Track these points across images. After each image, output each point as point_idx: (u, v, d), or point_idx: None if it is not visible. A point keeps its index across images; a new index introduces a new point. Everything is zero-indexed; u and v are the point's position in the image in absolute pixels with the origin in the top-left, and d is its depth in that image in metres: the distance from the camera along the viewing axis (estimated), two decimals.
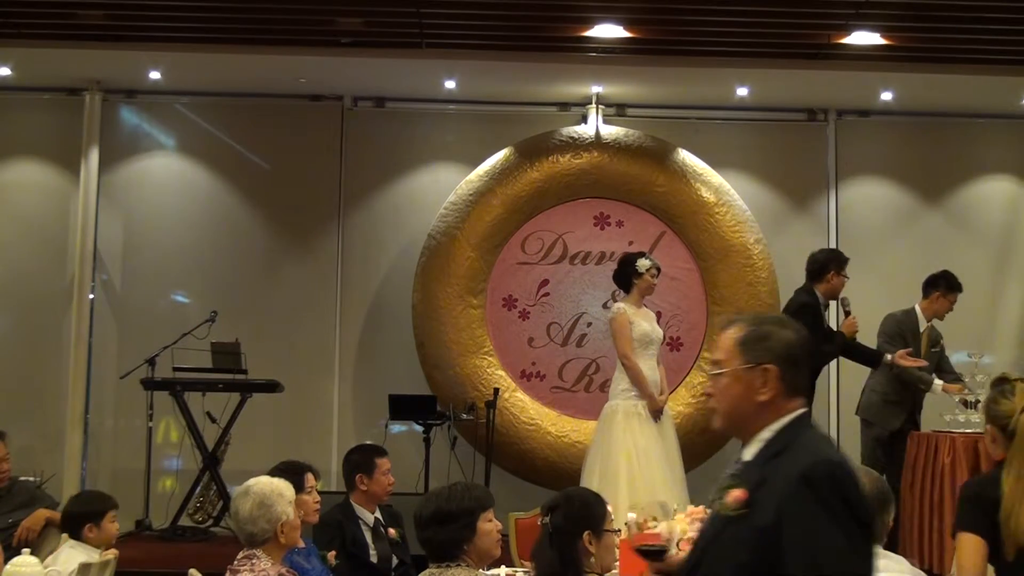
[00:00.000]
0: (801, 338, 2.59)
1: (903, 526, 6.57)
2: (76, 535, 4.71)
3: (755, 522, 2.40)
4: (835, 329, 7.40)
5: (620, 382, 6.93)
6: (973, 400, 6.91)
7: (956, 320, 7.74)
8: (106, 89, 8.64)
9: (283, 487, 3.97)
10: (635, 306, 6.99)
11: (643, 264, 6.99)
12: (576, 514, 3.80)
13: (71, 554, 4.60)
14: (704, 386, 8.26)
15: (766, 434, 2.52)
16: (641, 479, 6.62)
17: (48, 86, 8.72)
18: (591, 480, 6.64)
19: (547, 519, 3.81)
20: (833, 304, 7.54)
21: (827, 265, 7.11)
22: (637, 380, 6.83)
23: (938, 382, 7.26)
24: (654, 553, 2.66)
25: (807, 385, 2.60)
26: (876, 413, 7.37)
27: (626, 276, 7.05)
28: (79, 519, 4.74)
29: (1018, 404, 3.48)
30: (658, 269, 7.08)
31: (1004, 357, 8.72)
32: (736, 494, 2.45)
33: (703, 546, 2.55)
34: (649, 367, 6.92)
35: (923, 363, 7.23)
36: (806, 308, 6.96)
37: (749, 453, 2.54)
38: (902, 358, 7.15)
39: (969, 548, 3.42)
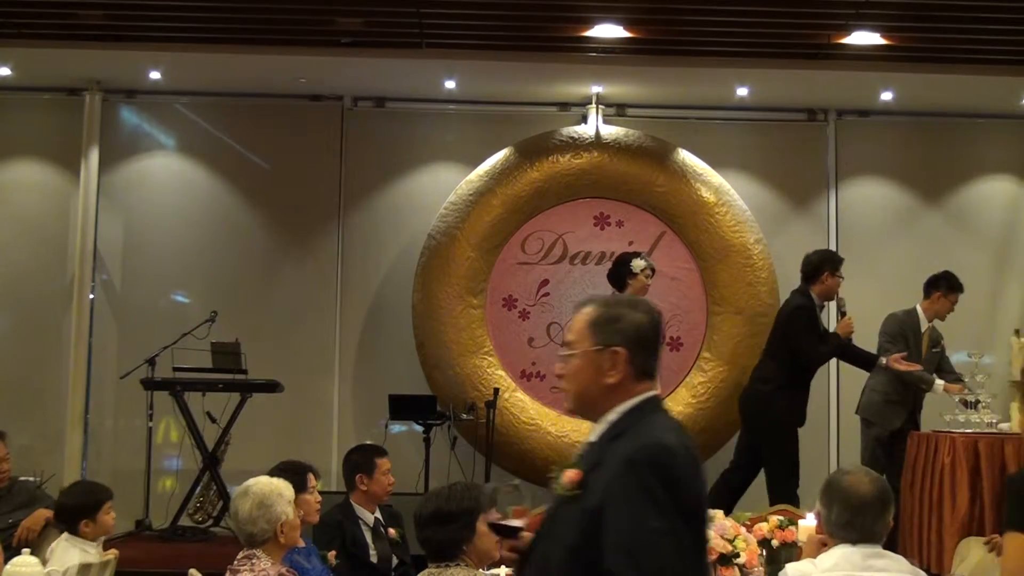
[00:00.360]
0: (653, 321, 2.57)
1: (903, 526, 6.57)
2: (72, 529, 4.64)
3: (585, 503, 2.39)
4: (831, 331, 7.40)
5: None
6: (973, 400, 6.91)
7: (956, 320, 7.74)
8: (106, 89, 8.64)
9: (283, 487, 3.97)
10: None
11: (638, 264, 7.00)
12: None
13: (66, 549, 4.57)
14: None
15: (612, 416, 2.51)
16: None
17: (48, 86, 8.72)
18: None
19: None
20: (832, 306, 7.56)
21: (821, 266, 7.12)
22: None
23: (939, 382, 7.27)
24: (508, 530, 2.65)
25: (656, 368, 2.57)
26: (877, 413, 7.37)
27: (620, 276, 7.06)
28: (73, 513, 4.65)
29: None
30: (653, 269, 7.09)
31: (1004, 357, 8.69)
32: (570, 475, 2.45)
33: (543, 524, 2.55)
34: None
35: (918, 367, 7.24)
36: (801, 310, 6.98)
37: (595, 434, 2.53)
38: (897, 362, 7.15)
39: (1018, 548, 3.34)
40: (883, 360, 7.21)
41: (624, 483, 2.34)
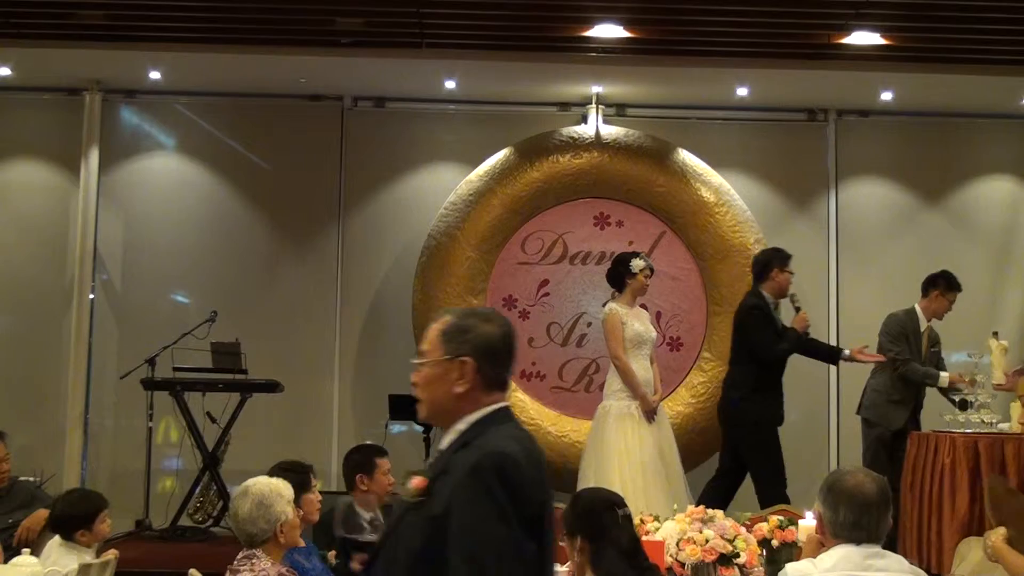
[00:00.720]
0: (505, 335, 2.61)
1: (903, 526, 6.57)
2: (67, 536, 4.60)
3: (430, 510, 2.44)
4: (788, 327, 7.29)
5: (613, 383, 6.95)
6: (973, 400, 6.90)
7: (956, 320, 7.74)
8: (106, 89, 8.64)
9: (282, 487, 3.96)
10: (628, 306, 6.99)
11: (636, 264, 7.00)
12: None
13: (63, 553, 4.55)
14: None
15: (461, 425, 2.55)
16: (631, 481, 6.63)
17: (48, 86, 8.72)
18: (587, 481, 6.64)
19: None
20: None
21: (770, 262, 7.10)
22: (629, 380, 6.84)
23: (944, 374, 7.25)
24: (360, 545, 2.68)
25: (508, 381, 2.63)
26: (880, 413, 7.36)
27: (619, 276, 7.06)
28: (70, 522, 4.61)
29: None
30: (651, 269, 7.09)
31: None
32: (416, 482, 2.49)
33: (388, 530, 2.59)
34: (642, 367, 6.92)
35: (882, 358, 7.24)
36: (754, 310, 6.97)
37: (445, 443, 2.58)
38: (860, 353, 7.13)
39: None
40: (846, 352, 7.18)
41: (468, 490, 2.39)
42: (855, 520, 3.19)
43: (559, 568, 4.44)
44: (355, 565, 2.67)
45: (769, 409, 7.01)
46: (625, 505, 3.79)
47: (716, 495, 6.82)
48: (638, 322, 6.99)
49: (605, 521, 3.69)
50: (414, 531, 2.46)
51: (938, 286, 7.48)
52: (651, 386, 6.93)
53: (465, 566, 2.33)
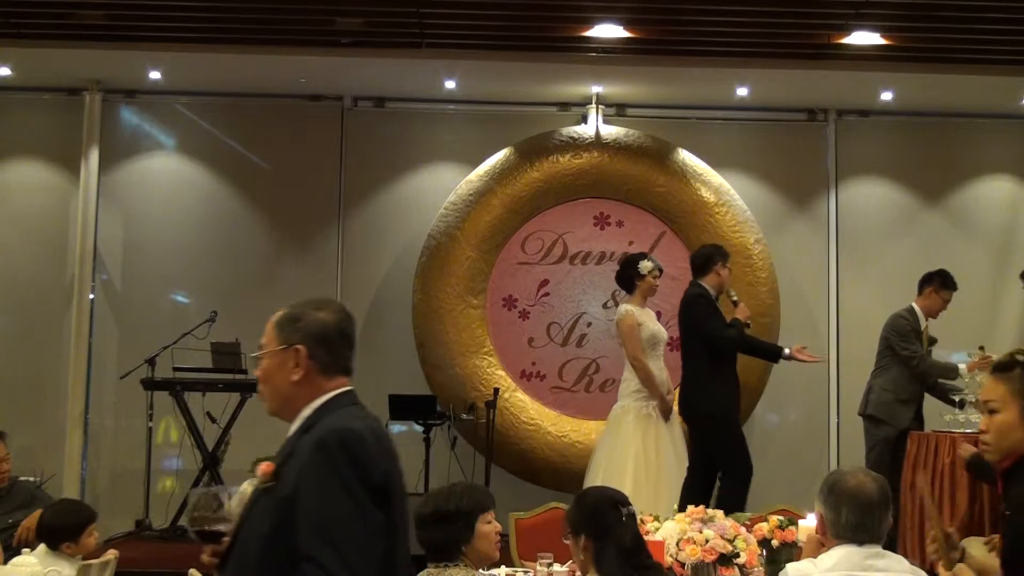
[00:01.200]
0: (339, 320, 2.67)
1: (903, 526, 6.57)
2: (52, 546, 4.49)
3: (278, 493, 2.48)
4: (734, 319, 7.17)
5: (630, 383, 6.92)
6: (972, 399, 6.89)
7: (956, 320, 7.75)
8: (106, 89, 8.64)
9: None
10: (640, 307, 6.99)
11: (645, 266, 6.98)
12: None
13: (47, 562, 4.48)
14: None
15: (306, 412, 2.60)
16: (647, 481, 6.62)
17: (48, 86, 8.72)
18: (595, 480, 6.63)
19: None
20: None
21: (712, 258, 7.03)
22: (648, 381, 6.83)
23: (962, 365, 7.19)
24: (211, 535, 2.68)
25: (351, 365, 2.68)
26: (889, 412, 7.35)
27: (628, 278, 7.05)
28: (57, 533, 4.52)
29: None
30: (660, 270, 7.07)
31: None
32: (264, 467, 2.53)
33: (241, 519, 2.60)
34: (657, 367, 6.91)
35: (819, 359, 7.19)
36: (701, 298, 6.91)
37: (291, 430, 2.62)
38: (800, 352, 7.05)
39: None
40: (787, 351, 7.08)
41: (314, 468, 2.44)
42: (857, 521, 3.19)
43: (559, 567, 4.45)
44: (205, 557, 2.64)
45: (725, 399, 6.91)
46: (629, 504, 3.78)
47: (691, 494, 6.78)
48: (651, 322, 6.98)
49: (609, 520, 3.66)
50: (264, 515, 2.49)
51: (932, 283, 7.46)
52: (666, 386, 6.92)
53: (317, 541, 2.37)
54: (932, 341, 7.54)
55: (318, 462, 2.44)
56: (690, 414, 6.97)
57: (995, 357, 6.66)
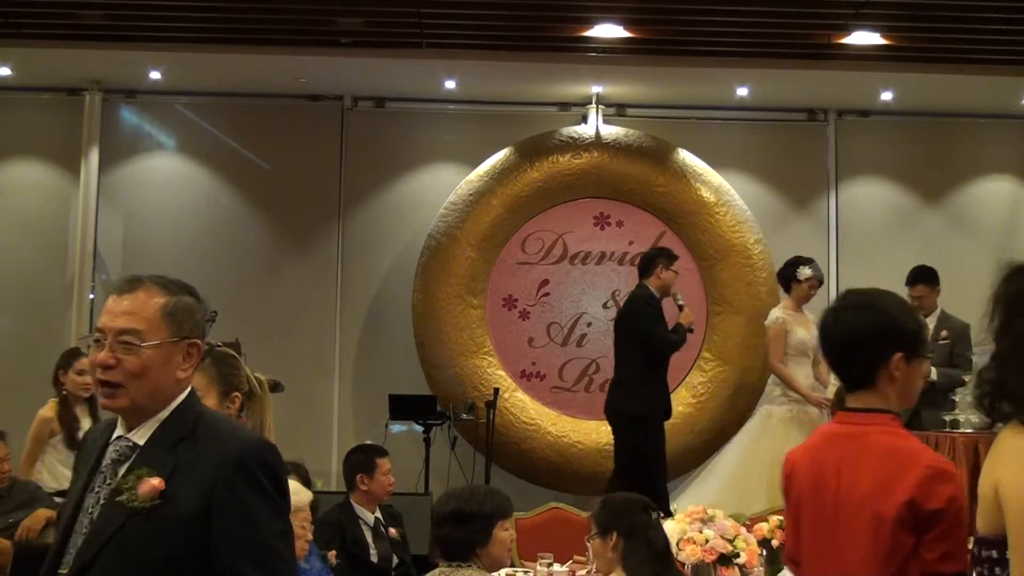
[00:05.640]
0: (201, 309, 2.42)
1: None
2: None
3: (175, 512, 2.23)
4: (677, 324, 7.12)
5: (774, 388, 7.09)
6: (971, 399, 6.86)
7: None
8: (106, 89, 8.65)
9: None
10: (792, 311, 7.04)
11: (804, 272, 7.07)
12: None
13: None
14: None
15: (164, 414, 2.33)
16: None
17: (48, 86, 8.72)
18: (725, 471, 6.84)
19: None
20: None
21: (656, 259, 7.05)
22: (791, 386, 6.96)
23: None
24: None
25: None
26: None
27: (787, 279, 7.19)
28: None
29: None
30: (820, 281, 7.16)
31: None
32: (153, 483, 2.24)
33: (96, 541, 2.26)
34: (804, 374, 6.98)
35: (692, 318, 7.10)
36: (649, 299, 6.94)
37: (142, 435, 2.33)
38: (686, 317, 7.04)
39: None
40: (685, 324, 7.04)
41: (237, 487, 2.25)
42: None
43: (559, 567, 4.45)
44: None
45: (653, 400, 6.90)
46: (656, 508, 3.89)
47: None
48: (802, 328, 7.00)
49: (643, 520, 3.80)
50: (158, 538, 2.22)
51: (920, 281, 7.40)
52: (818, 390, 6.98)
53: (250, 567, 2.22)
54: (935, 340, 7.52)
55: (241, 483, 2.25)
56: (618, 414, 6.93)
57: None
